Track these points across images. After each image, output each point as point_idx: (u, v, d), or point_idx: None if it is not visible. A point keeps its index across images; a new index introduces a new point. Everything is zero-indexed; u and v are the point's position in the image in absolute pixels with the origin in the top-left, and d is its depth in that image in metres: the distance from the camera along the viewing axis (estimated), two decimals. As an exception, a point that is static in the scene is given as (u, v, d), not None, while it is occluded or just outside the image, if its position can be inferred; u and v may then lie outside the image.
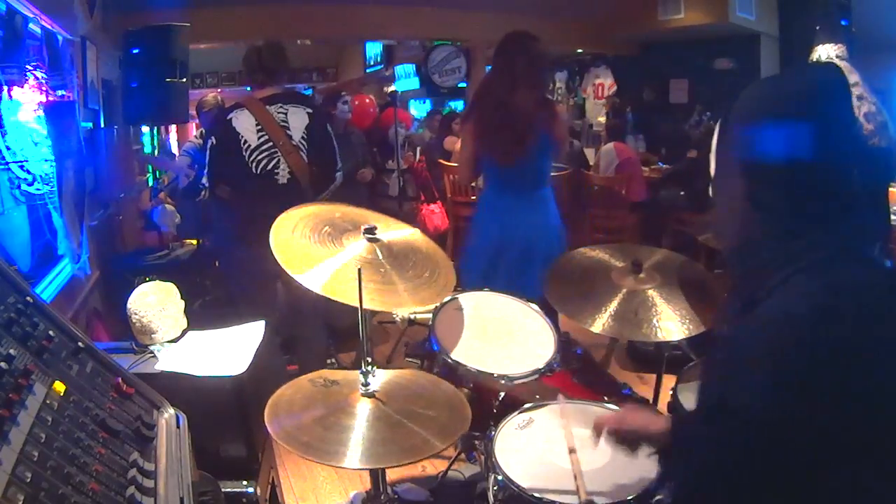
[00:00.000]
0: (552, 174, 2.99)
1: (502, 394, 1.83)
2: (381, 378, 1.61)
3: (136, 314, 1.80)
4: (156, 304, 1.82)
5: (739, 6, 5.82)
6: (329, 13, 5.56)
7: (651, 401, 2.06)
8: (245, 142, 2.82)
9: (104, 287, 3.32)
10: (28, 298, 1.15)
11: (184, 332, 1.90)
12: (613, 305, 1.79)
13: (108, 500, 0.90)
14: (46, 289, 2.45)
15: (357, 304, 1.47)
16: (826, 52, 2.90)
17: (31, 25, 2.42)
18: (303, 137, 2.90)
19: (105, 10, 3.48)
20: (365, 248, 1.65)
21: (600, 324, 1.75)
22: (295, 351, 3.27)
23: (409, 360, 2.27)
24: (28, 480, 0.79)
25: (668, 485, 1.34)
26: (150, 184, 5.41)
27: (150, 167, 5.73)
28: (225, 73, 8.75)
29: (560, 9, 6.25)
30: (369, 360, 1.57)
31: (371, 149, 4.96)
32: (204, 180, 2.95)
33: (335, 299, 1.50)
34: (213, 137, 2.90)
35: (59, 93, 2.67)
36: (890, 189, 2.95)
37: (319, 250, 1.61)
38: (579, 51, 7.90)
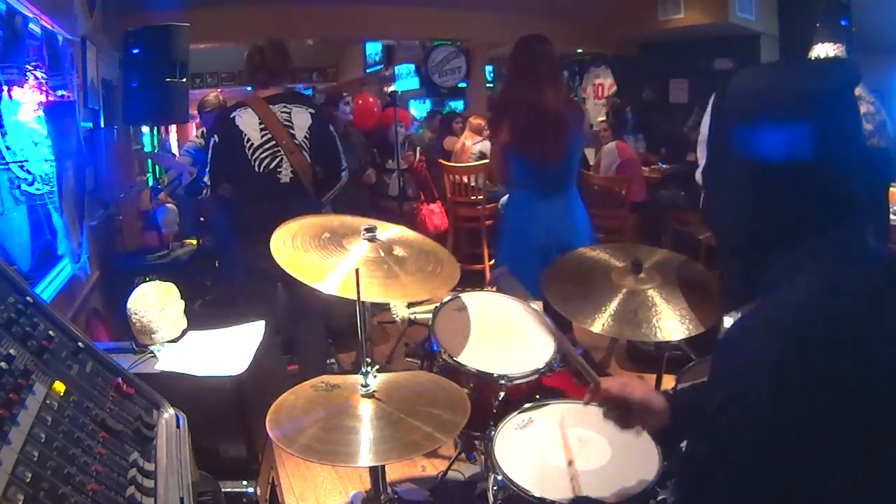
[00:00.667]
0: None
1: (502, 394, 1.83)
2: (380, 378, 1.61)
3: (136, 314, 1.80)
4: (156, 304, 1.82)
5: (739, 6, 5.83)
6: (329, 13, 5.56)
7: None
8: (248, 140, 2.82)
9: (104, 287, 3.32)
10: (28, 298, 1.15)
11: (184, 332, 1.90)
12: (613, 305, 1.79)
13: (108, 500, 0.90)
14: (46, 289, 2.45)
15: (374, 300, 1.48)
16: (824, 51, 2.90)
17: (31, 25, 2.43)
18: (306, 137, 2.90)
19: (105, 10, 3.48)
20: (367, 248, 1.66)
21: (600, 324, 1.75)
22: (295, 351, 3.26)
23: (409, 360, 2.27)
24: (28, 480, 0.79)
25: (671, 482, 1.35)
26: (150, 184, 5.41)
27: (150, 167, 5.74)
28: (225, 73, 8.75)
29: (560, 9, 6.25)
30: (369, 360, 1.57)
31: (371, 149, 4.96)
32: (206, 178, 2.95)
33: (353, 298, 1.51)
34: (215, 135, 2.90)
35: (59, 93, 2.67)
36: (890, 189, 2.95)
37: (326, 256, 1.62)
38: (579, 51, 7.91)
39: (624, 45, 7.28)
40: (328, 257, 1.62)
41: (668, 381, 2.01)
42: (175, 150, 7.62)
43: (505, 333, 1.99)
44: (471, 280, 3.09)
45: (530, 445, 1.59)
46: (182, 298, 1.92)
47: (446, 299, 2.10)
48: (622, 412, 1.19)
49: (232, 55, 7.14)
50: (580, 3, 6.30)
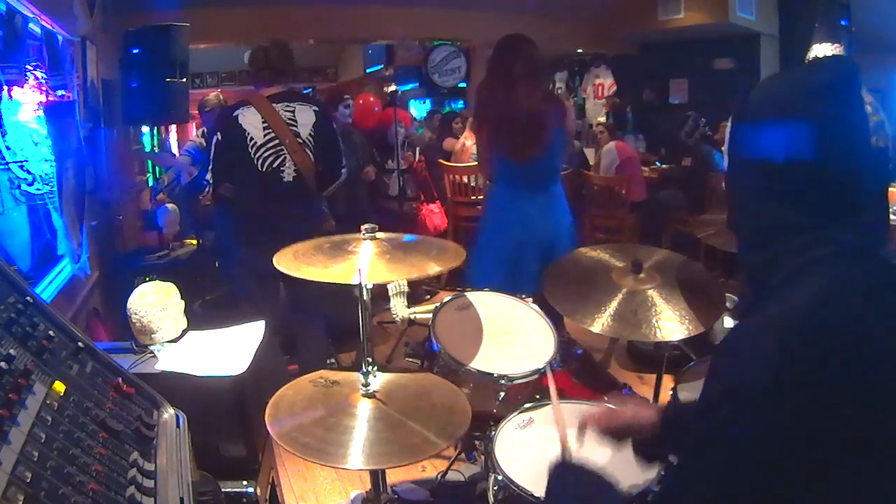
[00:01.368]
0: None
1: (502, 394, 1.83)
2: (381, 378, 1.61)
3: (136, 314, 1.80)
4: (156, 304, 1.82)
5: (739, 6, 5.83)
6: (329, 13, 5.56)
7: (651, 401, 2.06)
8: (251, 139, 2.82)
9: (104, 287, 3.32)
10: (28, 298, 1.15)
11: (184, 332, 1.90)
12: (613, 305, 1.79)
13: (108, 500, 0.90)
14: (46, 289, 2.45)
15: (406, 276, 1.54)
16: (823, 51, 2.90)
17: (31, 25, 2.43)
18: (310, 135, 2.90)
19: (105, 10, 3.48)
20: (371, 244, 1.67)
21: (600, 324, 1.75)
22: (295, 351, 3.27)
23: (409, 360, 2.27)
24: (28, 480, 0.79)
25: (663, 480, 1.35)
26: (150, 184, 5.41)
27: (150, 167, 5.73)
28: (225, 73, 8.74)
29: (560, 9, 6.25)
30: (369, 360, 1.58)
31: (371, 148, 4.96)
32: (208, 177, 2.95)
33: (384, 282, 1.58)
34: (218, 133, 2.90)
35: (59, 93, 2.67)
36: (889, 189, 2.95)
37: (332, 257, 1.63)
38: (579, 51, 7.90)
39: (624, 45, 7.28)
40: (335, 258, 1.63)
41: (668, 382, 2.01)
42: (175, 150, 7.62)
43: (505, 333, 1.99)
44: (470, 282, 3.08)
45: (530, 445, 1.59)
46: (182, 298, 1.92)
47: (446, 299, 2.10)
48: (613, 436, 1.27)
49: (232, 55, 7.13)
50: (580, 3, 6.30)
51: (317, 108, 2.96)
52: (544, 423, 1.67)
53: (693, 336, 1.72)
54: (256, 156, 2.82)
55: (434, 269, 1.57)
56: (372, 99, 5.40)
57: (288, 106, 2.88)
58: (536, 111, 2.66)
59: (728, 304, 2.19)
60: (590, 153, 6.65)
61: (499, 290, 2.21)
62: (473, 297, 2.13)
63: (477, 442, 1.94)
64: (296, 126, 2.87)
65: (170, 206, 4.21)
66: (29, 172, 2.30)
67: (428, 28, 6.24)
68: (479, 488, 2.17)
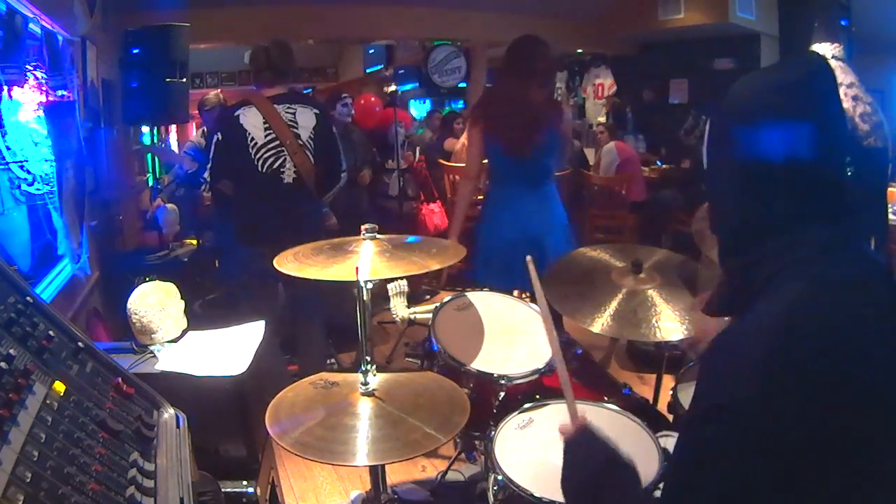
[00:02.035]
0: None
1: (502, 394, 1.83)
2: (380, 377, 1.62)
3: (136, 314, 1.80)
4: (156, 304, 1.82)
5: (739, 6, 5.83)
6: (329, 13, 5.56)
7: (651, 401, 2.06)
8: (252, 139, 2.82)
9: (104, 287, 3.32)
10: (28, 298, 1.15)
11: (184, 332, 1.90)
12: (613, 305, 1.79)
13: (108, 500, 0.90)
14: (46, 289, 2.45)
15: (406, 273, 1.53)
16: (822, 51, 2.89)
17: (31, 25, 2.42)
18: (310, 137, 2.90)
19: (105, 10, 3.48)
20: (372, 244, 1.67)
21: (600, 324, 1.75)
22: (295, 351, 3.27)
23: (409, 360, 2.27)
24: (28, 480, 0.79)
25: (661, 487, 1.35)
26: (150, 184, 5.41)
27: (149, 167, 5.73)
28: (225, 73, 8.74)
29: (560, 9, 6.25)
30: (368, 359, 1.58)
31: (371, 148, 4.97)
32: (206, 175, 2.95)
33: (387, 276, 1.56)
34: (219, 133, 2.89)
35: (59, 93, 2.67)
36: (889, 189, 2.95)
37: (332, 257, 1.63)
38: (579, 51, 7.90)
39: (624, 45, 7.28)
40: (334, 258, 1.63)
41: (669, 381, 2.01)
42: (175, 150, 7.62)
43: (505, 333, 1.99)
44: (470, 280, 3.09)
45: (530, 445, 1.59)
46: (182, 298, 1.92)
47: (446, 299, 2.10)
48: None
49: (232, 55, 7.13)
50: (580, 3, 6.30)
51: (317, 111, 2.96)
52: (544, 423, 1.67)
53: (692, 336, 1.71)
54: (257, 156, 2.82)
55: (433, 265, 1.57)
56: (373, 99, 5.40)
57: (289, 107, 2.88)
58: (534, 112, 2.69)
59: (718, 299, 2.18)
60: (590, 153, 6.65)
61: (497, 287, 2.21)
62: (473, 297, 2.13)
63: (477, 442, 1.94)
64: (297, 127, 2.87)
65: (169, 206, 4.21)
66: (29, 172, 2.30)
67: (428, 28, 6.24)
68: (479, 488, 2.17)
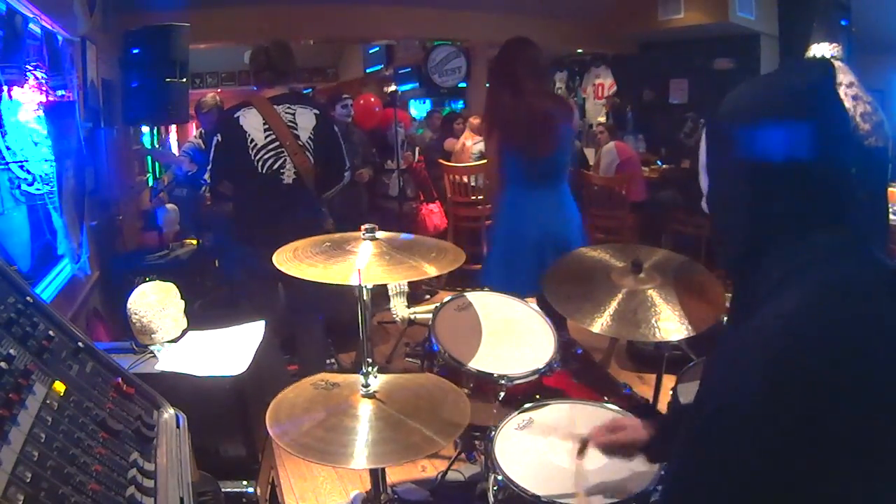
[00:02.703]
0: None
1: (502, 394, 1.83)
2: (381, 378, 1.61)
3: (136, 314, 1.80)
4: (156, 304, 1.82)
5: (739, 6, 5.83)
6: (329, 13, 5.56)
7: (651, 401, 2.06)
8: (252, 140, 2.82)
9: (104, 287, 3.32)
10: (28, 298, 1.15)
11: (184, 332, 1.90)
12: (613, 305, 1.79)
13: (108, 500, 0.90)
14: (46, 289, 2.45)
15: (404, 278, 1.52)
16: (821, 51, 2.90)
17: (31, 25, 2.42)
18: (310, 138, 2.90)
19: (105, 10, 3.48)
20: (371, 245, 1.67)
21: (600, 324, 1.75)
22: (295, 351, 3.27)
23: (409, 360, 2.28)
24: (28, 480, 0.79)
25: (662, 486, 1.35)
26: (150, 184, 5.41)
27: (150, 167, 5.73)
28: (225, 73, 8.75)
29: (560, 9, 6.25)
30: (369, 360, 1.58)
31: (371, 149, 4.97)
32: (206, 176, 2.95)
33: (385, 282, 1.57)
34: (218, 135, 2.90)
35: (59, 93, 2.67)
36: (889, 189, 2.95)
37: (331, 258, 1.62)
38: (579, 51, 7.90)
39: (624, 45, 7.28)
40: (333, 258, 1.62)
41: (669, 381, 2.01)
42: (175, 150, 7.63)
43: (505, 333, 1.99)
44: (470, 280, 3.09)
45: (530, 445, 1.59)
46: (182, 298, 1.92)
47: (446, 299, 2.10)
48: (618, 453, 1.29)
49: (232, 55, 7.14)
50: (580, 3, 6.30)
51: (317, 112, 2.96)
52: (544, 423, 1.67)
53: (693, 336, 1.71)
54: (256, 157, 2.82)
55: (433, 271, 1.57)
56: (373, 99, 5.40)
57: (289, 108, 2.88)
58: (544, 110, 2.70)
59: (728, 304, 2.18)
60: (590, 153, 6.65)
61: (517, 289, 2.21)
62: (473, 297, 2.13)
63: (477, 442, 1.94)
64: (296, 128, 2.87)
65: (169, 206, 4.21)
66: (29, 172, 2.30)
67: (428, 28, 6.25)
68: (479, 488, 2.17)
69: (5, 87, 2.14)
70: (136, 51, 3.56)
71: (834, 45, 2.90)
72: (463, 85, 6.73)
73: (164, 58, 3.58)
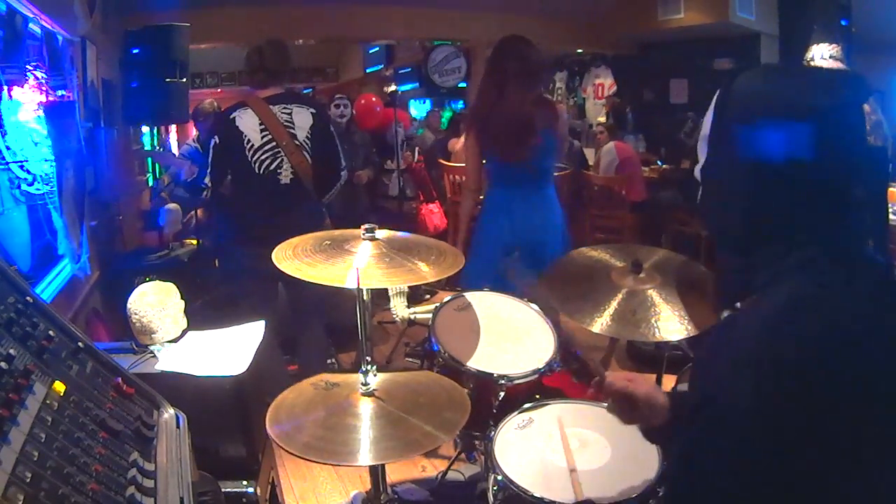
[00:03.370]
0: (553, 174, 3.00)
1: (502, 394, 1.83)
2: (380, 377, 1.61)
3: (136, 314, 1.80)
4: (156, 304, 1.82)
5: (739, 6, 5.83)
6: (329, 13, 5.56)
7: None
8: (248, 141, 2.82)
9: (104, 287, 3.32)
10: (28, 298, 1.15)
11: (184, 332, 1.90)
12: (613, 305, 1.79)
13: (108, 500, 0.90)
14: (46, 289, 2.45)
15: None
16: (821, 51, 2.89)
17: (31, 25, 2.43)
18: (307, 137, 2.89)
19: (105, 10, 3.48)
20: (370, 246, 1.67)
21: (600, 324, 1.75)
22: (295, 351, 3.27)
23: (409, 360, 2.28)
24: (28, 480, 0.79)
25: (665, 483, 1.34)
26: (150, 184, 5.41)
27: (150, 167, 5.74)
28: (225, 73, 8.75)
29: (560, 9, 6.25)
30: (369, 359, 1.58)
31: (372, 149, 4.97)
32: (206, 180, 2.95)
33: (384, 286, 1.55)
34: (216, 137, 2.89)
35: (59, 93, 2.67)
36: (889, 189, 2.95)
37: (330, 258, 1.62)
38: (579, 51, 7.90)
39: (624, 45, 7.28)
40: (332, 258, 1.62)
41: (668, 381, 2.01)
42: (175, 150, 7.63)
43: (505, 333, 1.99)
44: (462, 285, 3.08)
45: (530, 445, 1.59)
46: (182, 298, 1.92)
47: (446, 299, 2.10)
48: (626, 407, 1.18)
49: (232, 55, 7.13)
50: (580, 3, 6.30)
51: (314, 111, 2.96)
52: (544, 423, 1.67)
53: (693, 336, 1.71)
54: (253, 158, 2.82)
55: (432, 275, 1.57)
56: (374, 99, 5.40)
57: (285, 108, 2.88)
58: (523, 114, 2.65)
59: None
60: (590, 153, 6.65)
61: (478, 290, 2.19)
62: (473, 297, 2.13)
63: (477, 442, 1.94)
64: (293, 128, 2.87)
65: (171, 205, 4.21)
66: (29, 172, 2.30)
67: (428, 28, 6.25)
68: (479, 488, 2.17)
69: (5, 87, 2.14)
70: (136, 51, 3.56)
71: (833, 45, 2.89)
72: (463, 85, 6.73)
73: (164, 58, 3.58)
